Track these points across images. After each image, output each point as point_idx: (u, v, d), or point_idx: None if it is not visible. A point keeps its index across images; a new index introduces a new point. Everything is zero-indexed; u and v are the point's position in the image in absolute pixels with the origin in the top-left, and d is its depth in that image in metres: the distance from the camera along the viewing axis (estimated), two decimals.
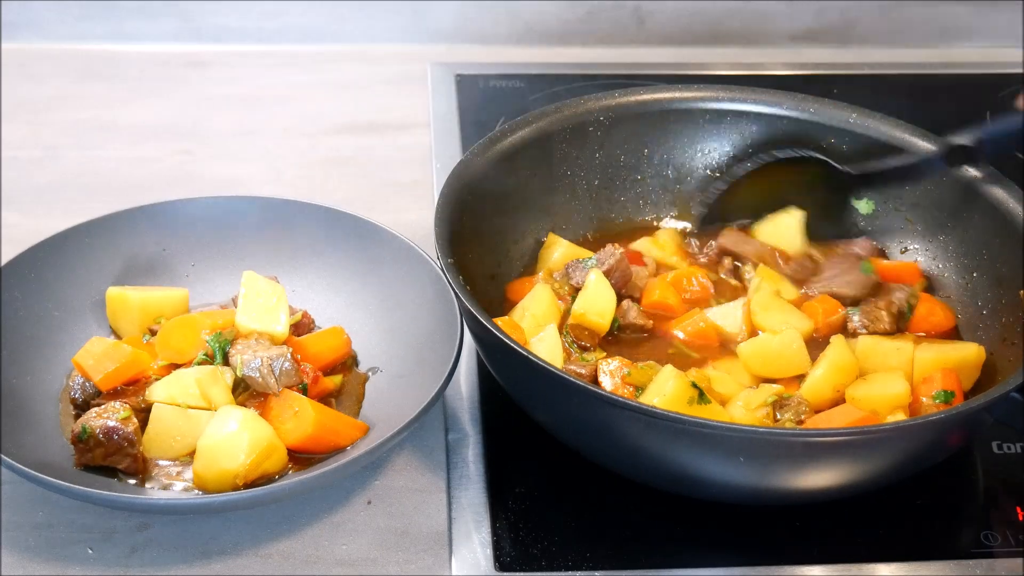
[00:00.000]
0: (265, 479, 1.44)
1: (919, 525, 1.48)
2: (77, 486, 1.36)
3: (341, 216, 1.70)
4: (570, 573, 1.40)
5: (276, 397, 1.48)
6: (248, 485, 1.42)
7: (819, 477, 1.39)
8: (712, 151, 1.82)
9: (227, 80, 2.30)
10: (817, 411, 1.50)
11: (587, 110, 1.78)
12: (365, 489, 1.50)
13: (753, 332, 1.63)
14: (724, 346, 1.63)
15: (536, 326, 1.59)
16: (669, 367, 1.48)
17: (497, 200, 1.70)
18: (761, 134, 1.80)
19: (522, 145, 1.72)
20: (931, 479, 1.50)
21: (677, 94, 1.82)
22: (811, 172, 1.75)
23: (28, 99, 2.20)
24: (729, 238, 1.77)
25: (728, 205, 1.78)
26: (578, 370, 1.53)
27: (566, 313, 1.63)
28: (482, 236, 1.67)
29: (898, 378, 1.52)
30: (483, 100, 2.21)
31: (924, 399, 1.51)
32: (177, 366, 1.53)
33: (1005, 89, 2.29)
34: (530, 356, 1.38)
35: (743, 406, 1.49)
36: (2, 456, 1.37)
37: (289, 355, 1.50)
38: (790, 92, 1.80)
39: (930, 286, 1.72)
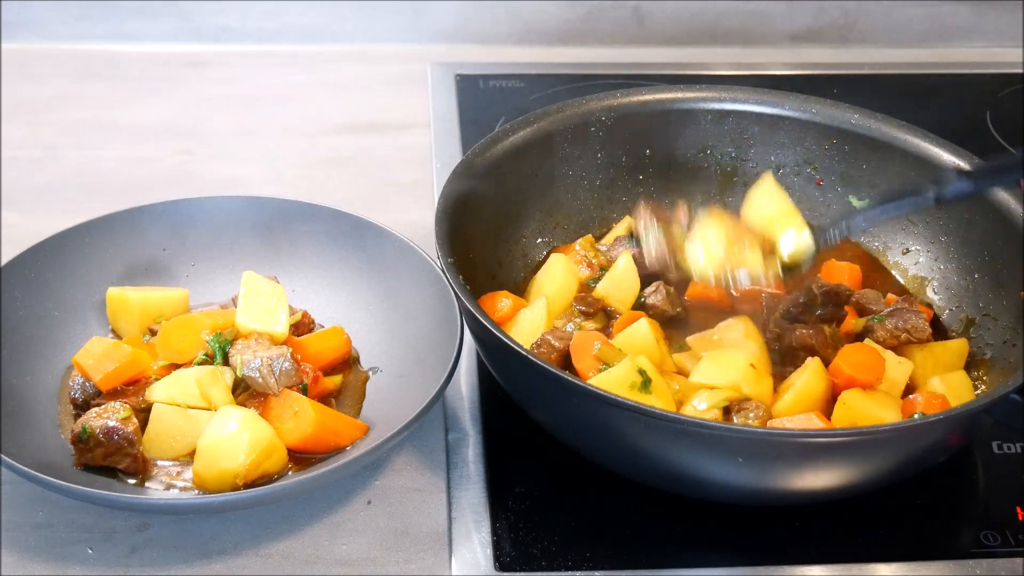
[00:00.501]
0: (265, 479, 1.44)
1: (919, 525, 1.48)
2: (77, 486, 1.36)
3: (341, 216, 1.70)
4: (570, 573, 1.40)
5: (276, 397, 1.48)
6: (248, 485, 1.42)
7: (819, 478, 1.39)
8: (714, 151, 1.82)
9: (227, 80, 2.30)
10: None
11: (589, 110, 1.78)
12: (365, 489, 1.50)
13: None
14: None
15: (545, 300, 1.61)
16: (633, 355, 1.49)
17: (497, 200, 1.70)
18: (763, 134, 1.80)
19: (523, 145, 1.72)
20: (931, 479, 1.50)
21: (680, 94, 1.82)
22: None
23: (28, 99, 2.20)
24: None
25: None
26: (553, 342, 1.54)
27: (588, 280, 1.66)
28: (482, 236, 1.67)
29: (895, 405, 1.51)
30: (483, 100, 2.21)
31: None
32: (177, 366, 1.53)
33: (1005, 89, 2.29)
34: (530, 356, 1.38)
35: (695, 405, 1.49)
36: (2, 456, 1.37)
37: (289, 355, 1.50)
38: (792, 93, 1.80)
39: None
